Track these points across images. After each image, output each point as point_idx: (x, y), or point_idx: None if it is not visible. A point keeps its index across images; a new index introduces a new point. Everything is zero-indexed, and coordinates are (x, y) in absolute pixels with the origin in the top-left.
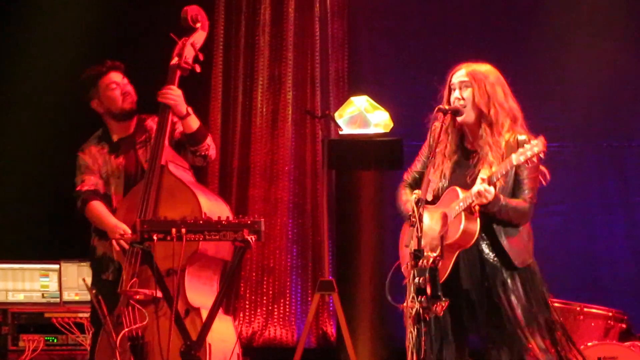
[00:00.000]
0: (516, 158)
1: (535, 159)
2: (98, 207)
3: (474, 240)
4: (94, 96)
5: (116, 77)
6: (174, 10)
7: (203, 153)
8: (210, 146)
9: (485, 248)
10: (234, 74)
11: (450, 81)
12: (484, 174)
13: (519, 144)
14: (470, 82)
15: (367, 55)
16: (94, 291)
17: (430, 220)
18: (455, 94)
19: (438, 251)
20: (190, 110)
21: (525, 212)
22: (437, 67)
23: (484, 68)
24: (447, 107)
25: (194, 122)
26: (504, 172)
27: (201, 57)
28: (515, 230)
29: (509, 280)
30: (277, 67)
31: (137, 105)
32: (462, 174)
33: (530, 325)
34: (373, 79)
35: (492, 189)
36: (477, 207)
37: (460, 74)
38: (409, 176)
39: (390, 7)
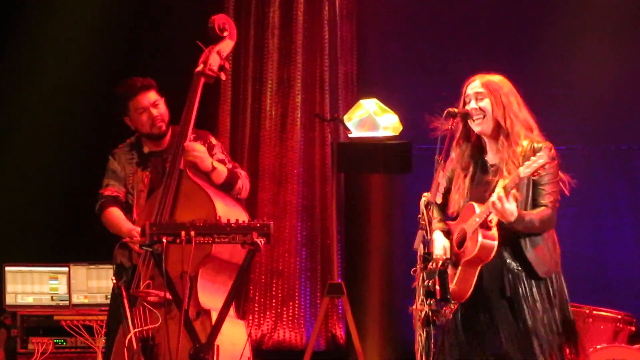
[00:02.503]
0: (523, 171)
1: (547, 167)
2: (114, 214)
3: (493, 254)
4: (125, 114)
5: (145, 99)
6: (195, 16)
7: (235, 198)
8: (243, 188)
9: (508, 257)
10: (243, 77)
11: (465, 93)
12: (500, 186)
13: (535, 152)
14: (486, 93)
15: (376, 58)
16: (123, 291)
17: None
18: (472, 104)
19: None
20: (215, 163)
21: (550, 218)
22: (446, 70)
23: (497, 79)
24: (456, 110)
25: (220, 175)
26: (513, 185)
27: (227, 65)
28: (539, 239)
29: (533, 290)
30: (286, 70)
31: (167, 126)
32: (481, 190)
33: (547, 343)
34: (382, 81)
35: (512, 205)
36: (492, 221)
37: (474, 85)
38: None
39: (399, 10)
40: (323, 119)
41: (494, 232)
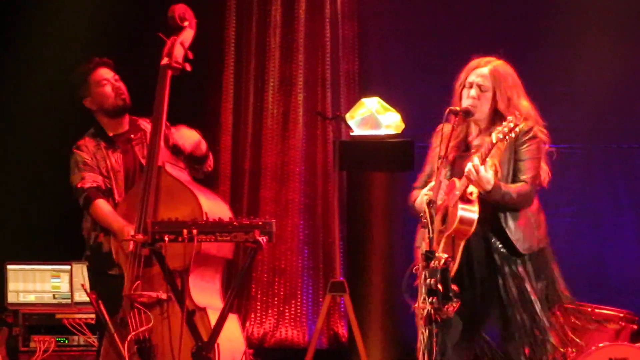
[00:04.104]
0: (495, 136)
1: (527, 142)
2: (103, 207)
3: (473, 228)
4: (86, 94)
5: (105, 73)
6: (196, 13)
7: (206, 170)
8: (211, 159)
9: (493, 237)
10: (245, 75)
11: (467, 77)
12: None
13: (517, 133)
14: (490, 86)
15: (377, 57)
16: (94, 296)
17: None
18: (472, 93)
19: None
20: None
21: (527, 194)
22: (448, 68)
23: (503, 68)
24: (458, 108)
25: (203, 145)
26: (487, 152)
27: (190, 55)
28: (517, 215)
29: (520, 269)
30: (288, 69)
31: (129, 102)
32: (461, 166)
33: (544, 315)
34: (384, 80)
35: (488, 174)
36: (473, 194)
37: (481, 73)
38: (419, 182)
39: (400, 8)
40: (325, 117)
41: (475, 206)
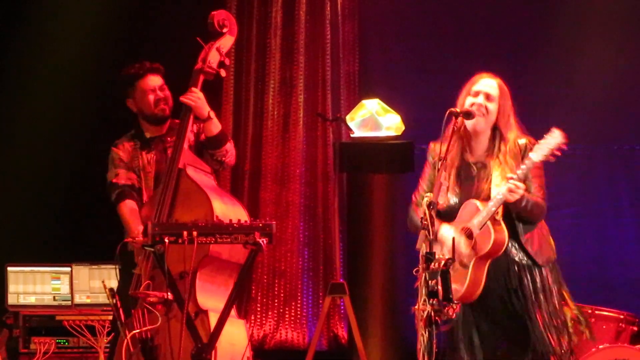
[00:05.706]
0: (536, 156)
1: (557, 153)
2: (128, 207)
3: (504, 248)
4: (129, 95)
5: (153, 81)
6: (200, 11)
7: (220, 158)
8: (229, 152)
9: (513, 249)
10: (245, 77)
11: (474, 84)
12: (498, 177)
13: (521, 148)
14: (497, 98)
15: (378, 58)
16: (113, 296)
17: (457, 237)
18: (479, 100)
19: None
20: (212, 114)
21: (543, 208)
22: (448, 69)
23: (505, 86)
24: (458, 110)
25: (215, 127)
26: (526, 170)
27: (227, 62)
28: (533, 227)
29: (537, 279)
30: (289, 70)
31: (170, 112)
32: (468, 186)
33: (553, 326)
34: (384, 81)
35: (522, 184)
36: (499, 214)
37: (490, 84)
38: (418, 197)
39: (401, 10)
40: (325, 119)
41: (503, 225)
